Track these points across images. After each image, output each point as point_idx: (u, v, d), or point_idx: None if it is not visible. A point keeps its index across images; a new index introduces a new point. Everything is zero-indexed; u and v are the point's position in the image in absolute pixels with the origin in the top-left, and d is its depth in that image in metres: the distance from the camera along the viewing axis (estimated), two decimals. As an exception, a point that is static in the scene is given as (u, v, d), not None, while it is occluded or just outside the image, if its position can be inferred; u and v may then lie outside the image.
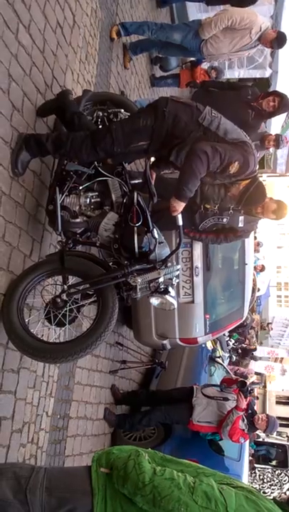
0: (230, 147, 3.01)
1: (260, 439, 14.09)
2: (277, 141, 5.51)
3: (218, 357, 7.63)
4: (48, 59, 3.54)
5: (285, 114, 9.05)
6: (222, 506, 1.70)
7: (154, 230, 3.00)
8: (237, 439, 4.83)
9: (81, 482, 1.90)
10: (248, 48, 5.35)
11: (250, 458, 11.04)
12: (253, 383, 16.14)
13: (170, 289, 3.01)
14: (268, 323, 23.76)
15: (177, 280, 3.17)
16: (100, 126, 3.52)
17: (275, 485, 13.92)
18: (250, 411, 5.04)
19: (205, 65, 7.46)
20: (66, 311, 2.99)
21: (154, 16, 7.42)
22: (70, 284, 3.00)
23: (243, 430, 4.83)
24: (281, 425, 13.48)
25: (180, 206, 2.97)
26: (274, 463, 13.87)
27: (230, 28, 5.12)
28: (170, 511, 1.70)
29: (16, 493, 1.88)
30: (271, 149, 6.03)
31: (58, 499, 1.86)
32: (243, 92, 4.92)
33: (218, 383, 5.52)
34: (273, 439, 15.19)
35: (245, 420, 4.88)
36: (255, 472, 13.96)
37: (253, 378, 17.01)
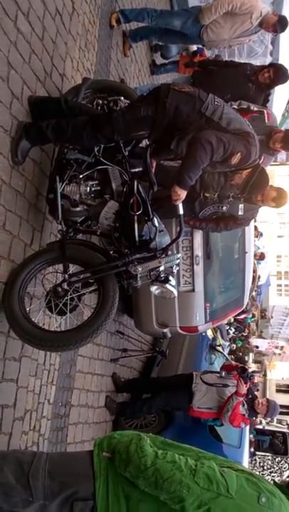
0: (233, 137, 2.96)
1: (260, 427, 14.22)
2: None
3: (219, 345, 7.66)
4: (48, 46, 3.52)
5: (286, 102, 8.99)
6: (223, 488, 1.72)
7: (155, 219, 2.99)
8: (238, 424, 4.87)
9: (83, 466, 1.92)
10: (249, 34, 5.27)
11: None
12: (253, 372, 16.30)
13: (170, 277, 3.01)
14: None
15: (177, 268, 3.17)
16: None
17: (275, 472, 14.09)
18: (250, 396, 5.06)
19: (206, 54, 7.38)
20: (67, 299, 2.99)
21: (153, 2, 7.34)
22: (70, 272, 3.00)
23: (244, 415, 4.86)
24: (281, 413, 13.63)
25: (183, 193, 2.93)
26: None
27: (230, 13, 5.04)
28: (172, 493, 1.72)
29: (18, 478, 1.90)
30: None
31: (60, 483, 1.88)
32: (241, 68, 4.88)
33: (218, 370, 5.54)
34: (274, 426, 15.33)
35: (246, 405, 4.90)
36: (255, 459, 14.12)
37: (253, 368, 17.20)
